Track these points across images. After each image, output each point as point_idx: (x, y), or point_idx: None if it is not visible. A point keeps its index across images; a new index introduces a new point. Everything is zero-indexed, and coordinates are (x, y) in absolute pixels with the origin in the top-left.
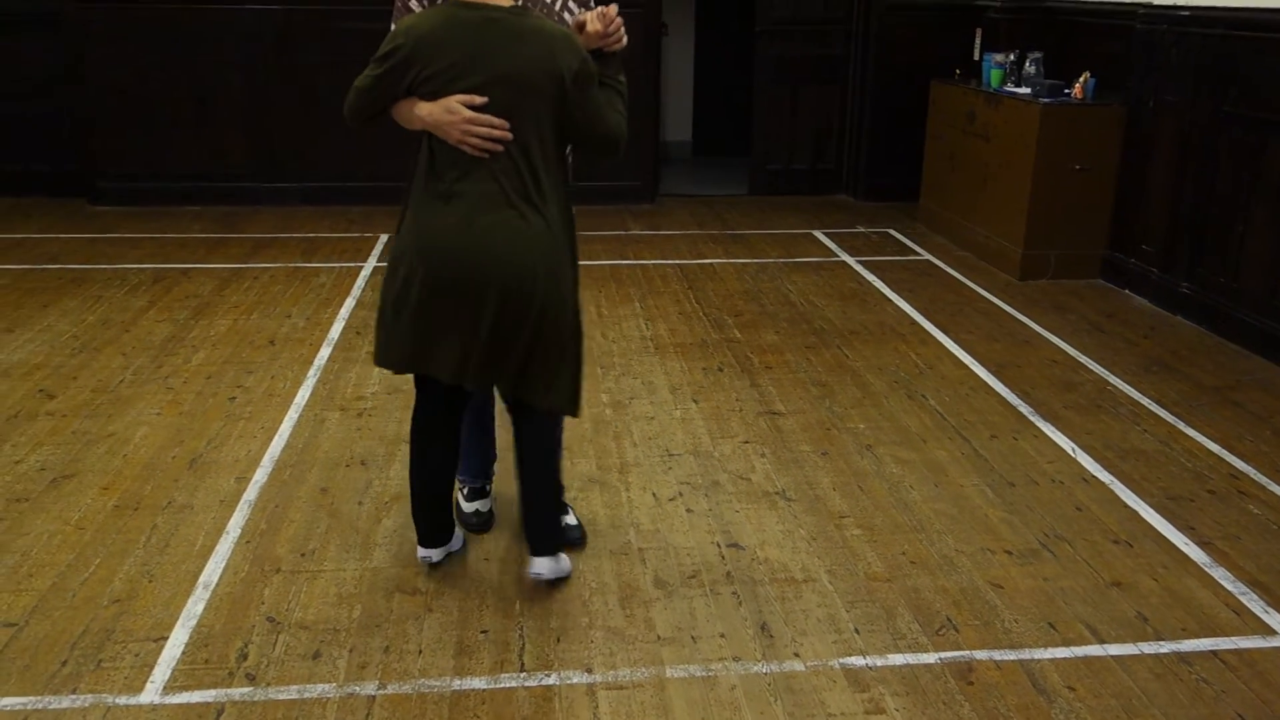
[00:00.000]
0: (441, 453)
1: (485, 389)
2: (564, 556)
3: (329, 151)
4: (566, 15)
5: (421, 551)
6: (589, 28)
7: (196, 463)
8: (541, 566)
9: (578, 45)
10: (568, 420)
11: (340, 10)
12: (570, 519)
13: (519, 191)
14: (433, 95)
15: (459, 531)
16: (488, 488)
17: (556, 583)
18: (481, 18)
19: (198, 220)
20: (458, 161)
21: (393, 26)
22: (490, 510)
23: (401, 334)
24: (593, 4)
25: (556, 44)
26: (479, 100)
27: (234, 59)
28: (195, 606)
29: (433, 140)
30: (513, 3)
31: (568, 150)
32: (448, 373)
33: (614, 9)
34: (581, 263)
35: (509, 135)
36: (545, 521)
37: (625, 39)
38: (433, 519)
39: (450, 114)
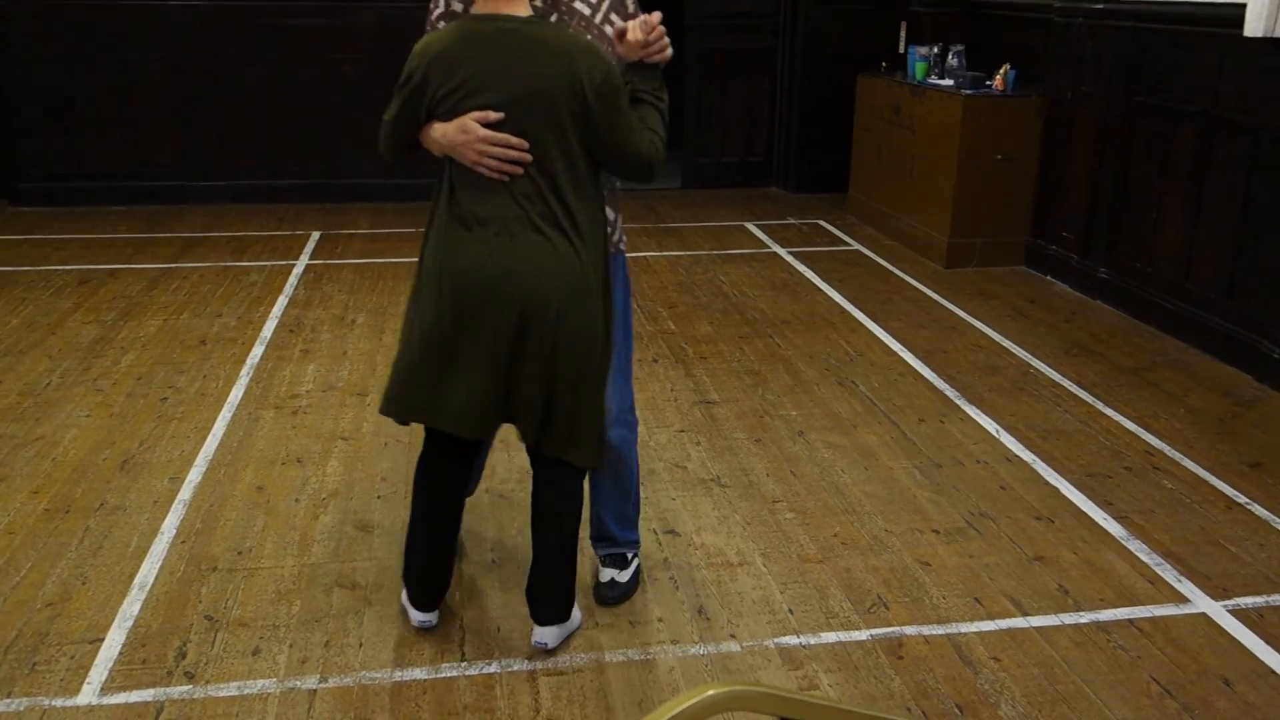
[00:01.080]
0: (447, 508)
1: (494, 430)
2: (576, 614)
3: (257, 149)
4: (608, 27)
5: (416, 616)
6: (629, 36)
7: (128, 464)
8: (545, 636)
9: (601, 56)
10: None
11: (266, 6)
12: (621, 574)
13: (545, 216)
14: (449, 115)
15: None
16: None
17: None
18: (495, 29)
19: (124, 220)
20: (477, 184)
21: None
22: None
23: (417, 376)
24: (638, 13)
25: (576, 54)
26: (494, 117)
27: (158, 55)
28: (131, 607)
29: (452, 163)
30: (530, 12)
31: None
32: (461, 425)
33: (656, 16)
34: None
35: (528, 156)
36: (552, 589)
37: (670, 50)
38: (431, 579)
39: (464, 134)
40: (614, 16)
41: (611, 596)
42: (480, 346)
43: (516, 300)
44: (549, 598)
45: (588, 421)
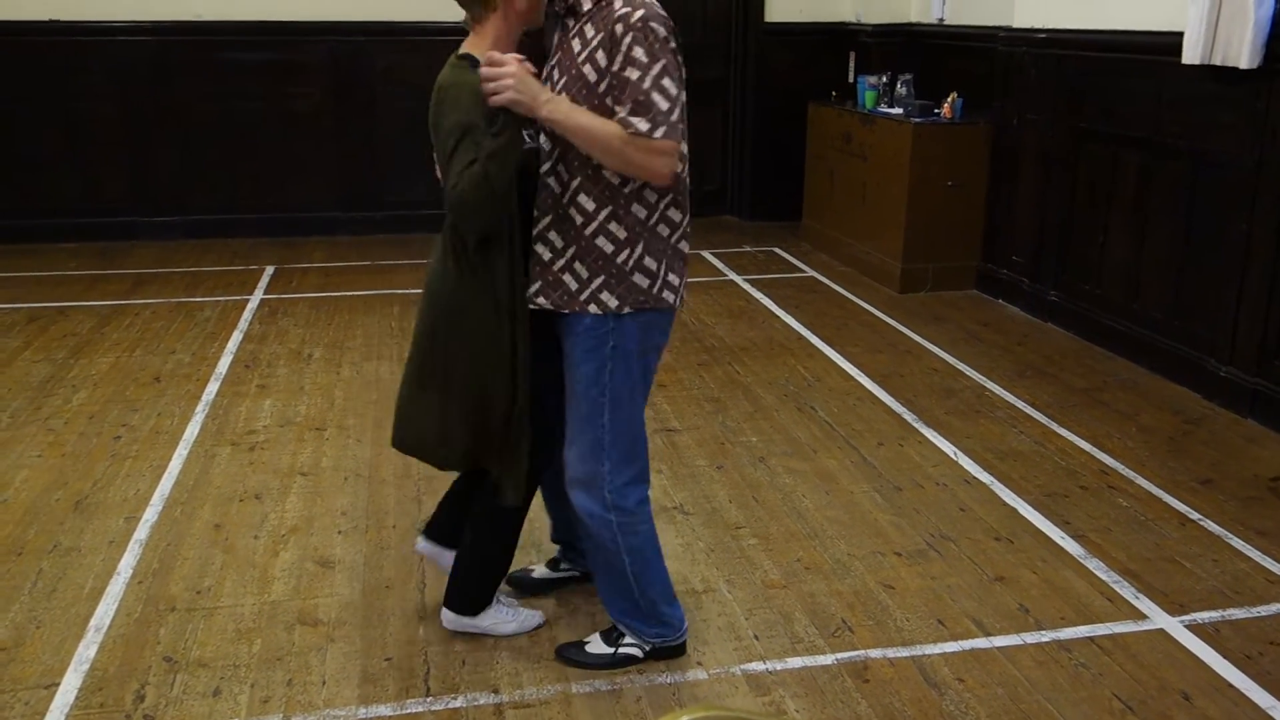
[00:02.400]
0: (457, 488)
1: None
2: (482, 618)
3: (210, 183)
4: (586, 67)
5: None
6: None
7: (82, 504)
8: (444, 615)
9: (459, 100)
10: None
11: (216, 40)
12: (594, 645)
13: (449, 243)
14: None
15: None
16: (563, 556)
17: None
18: (446, 65)
19: (74, 257)
20: None
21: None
22: (550, 579)
23: None
24: (629, 52)
25: (441, 95)
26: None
27: (108, 90)
28: (87, 650)
29: None
30: (473, 52)
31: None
32: None
33: (494, 55)
34: None
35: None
36: (453, 576)
37: (506, 94)
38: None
39: None
40: (599, 55)
41: (564, 654)
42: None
43: (422, 316)
44: (451, 587)
45: (436, 430)
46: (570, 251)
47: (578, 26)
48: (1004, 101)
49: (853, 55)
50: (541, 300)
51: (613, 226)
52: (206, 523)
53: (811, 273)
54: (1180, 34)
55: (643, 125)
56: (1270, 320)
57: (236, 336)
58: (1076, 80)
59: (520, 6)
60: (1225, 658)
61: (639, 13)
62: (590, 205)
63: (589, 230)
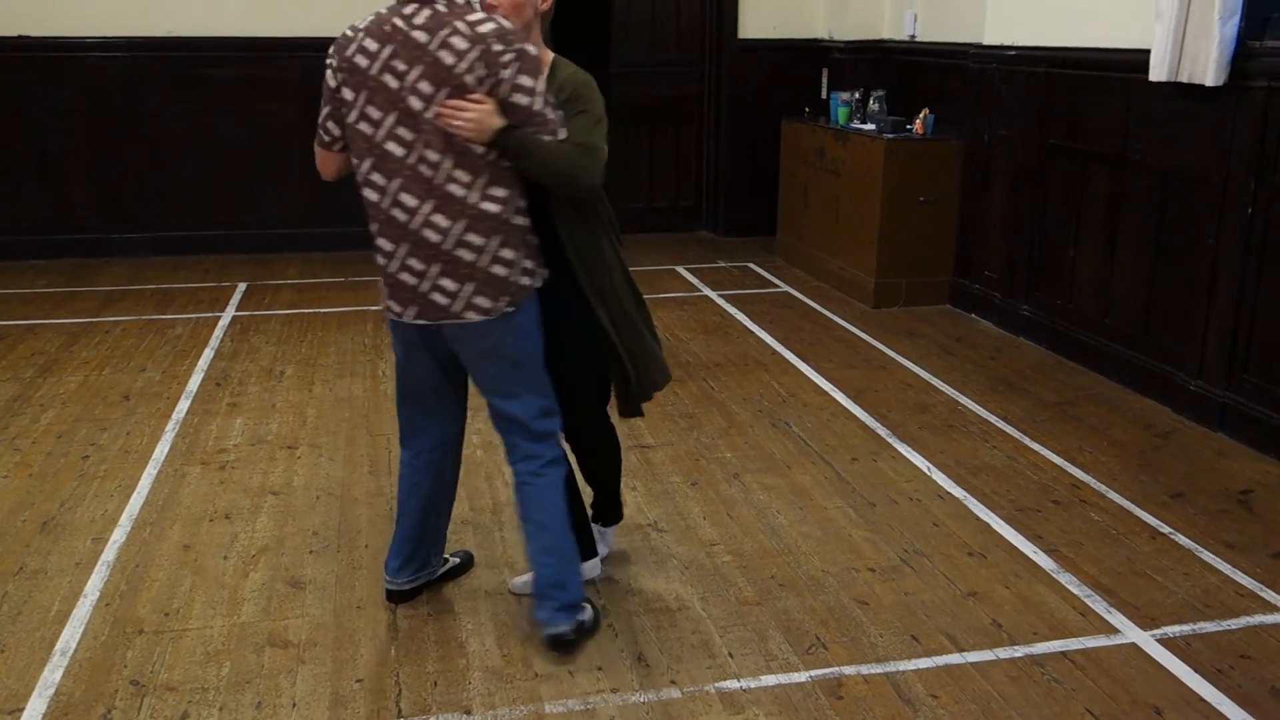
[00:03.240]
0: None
1: None
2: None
3: (182, 199)
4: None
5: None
6: None
7: (49, 525)
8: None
9: None
10: None
11: (188, 56)
12: (581, 614)
13: None
14: None
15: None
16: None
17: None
18: None
19: (42, 275)
20: None
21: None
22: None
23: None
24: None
25: None
26: None
27: (78, 106)
28: (53, 674)
29: None
30: None
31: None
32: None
33: None
34: None
35: None
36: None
37: None
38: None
39: None
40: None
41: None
42: None
43: None
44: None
45: None
46: None
47: None
48: (975, 118)
49: (825, 72)
50: None
51: None
52: (175, 543)
53: (785, 288)
54: (1148, 51)
55: None
56: (1238, 334)
57: (208, 354)
58: (1046, 97)
59: None
60: (1196, 671)
61: None
62: None
63: None
